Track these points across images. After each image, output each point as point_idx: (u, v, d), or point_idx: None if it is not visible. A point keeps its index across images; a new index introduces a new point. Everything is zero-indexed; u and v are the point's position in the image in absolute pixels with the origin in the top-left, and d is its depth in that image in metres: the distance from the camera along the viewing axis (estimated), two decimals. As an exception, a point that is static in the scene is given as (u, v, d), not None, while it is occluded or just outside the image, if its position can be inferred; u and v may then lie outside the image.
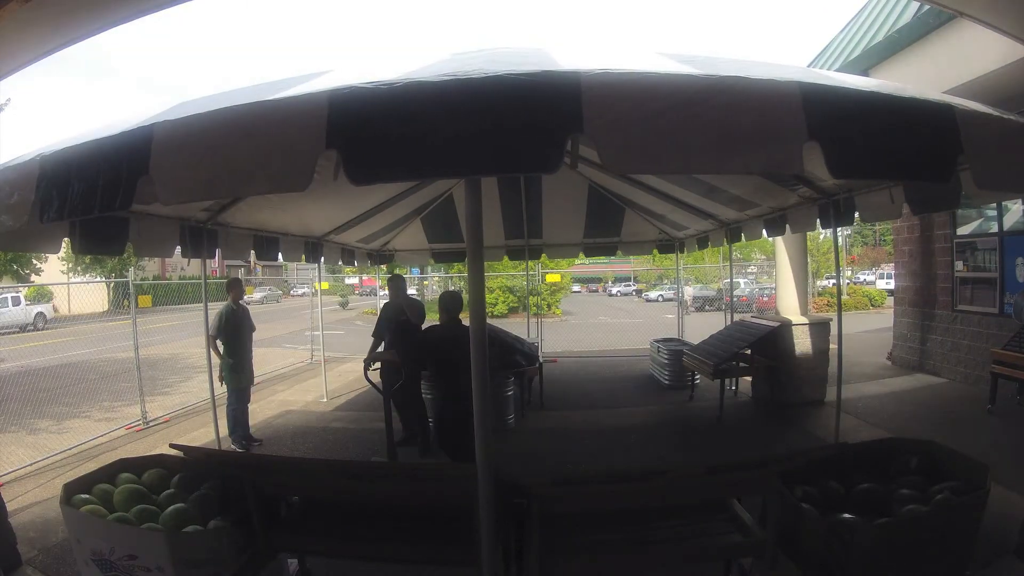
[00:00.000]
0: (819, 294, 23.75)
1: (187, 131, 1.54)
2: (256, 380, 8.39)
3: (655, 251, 9.86)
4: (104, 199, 1.56)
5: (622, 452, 5.25)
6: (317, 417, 6.92)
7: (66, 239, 3.17)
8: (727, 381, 6.88)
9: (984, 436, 5.04)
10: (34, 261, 20.09)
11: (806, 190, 4.61)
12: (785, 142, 1.44)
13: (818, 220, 4.78)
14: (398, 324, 5.35)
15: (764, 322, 7.12)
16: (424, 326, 4.62)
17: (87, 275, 27.09)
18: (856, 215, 4.38)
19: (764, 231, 5.98)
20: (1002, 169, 1.65)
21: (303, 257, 6.76)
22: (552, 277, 18.15)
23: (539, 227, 8.68)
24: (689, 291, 24.19)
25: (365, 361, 5.54)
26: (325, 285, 21.39)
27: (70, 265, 25.54)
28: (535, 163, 1.43)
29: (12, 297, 17.88)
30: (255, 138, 1.48)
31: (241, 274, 19.17)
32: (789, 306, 7.58)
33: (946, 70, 5.58)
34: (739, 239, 6.78)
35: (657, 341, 8.67)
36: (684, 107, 1.43)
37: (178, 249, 4.51)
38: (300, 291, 38.19)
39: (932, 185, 3.37)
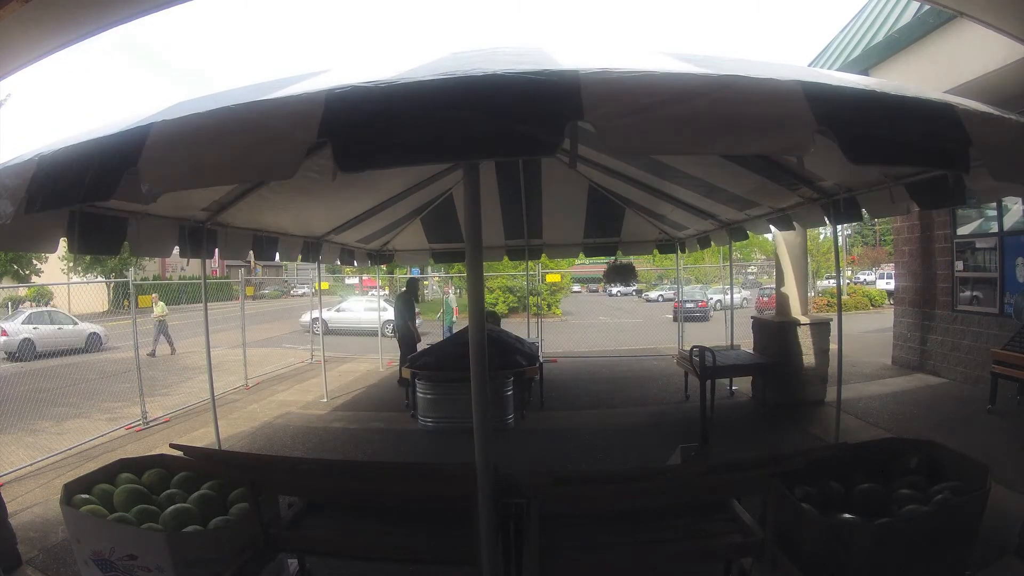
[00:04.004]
0: (819, 294, 23.74)
1: (181, 128, 1.54)
2: (256, 380, 8.75)
3: (655, 251, 9.85)
4: (88, 189, 1.56)
5: (622, 452, 5.25)
6: (317, 417, 6.92)
7: (63, 239, 3.17)
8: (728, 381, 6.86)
9: (984, 436, 5.04)
10: (34, 261, 20.06)
11: (806, 190, 4.59)
12: (794, 127, 1.44)
13: (824, 216, 4.74)
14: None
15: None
16: None
17: (87, 275, 27.07)
18: (864, 211, 4.33)
19: (770, 227, 5.93)
20: (1014, 163, 1.67)
21: (299, 257, 6.73)
22: (552, 277, 18.12)
23: (539, 227, 8.67)
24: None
25: None
26: (325, 285, 21.37)
27: (70, 265, 25.53)
28: (532, 145, 1.41)
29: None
30: (248, 133, 1.48)
31: (241, 274, 19.20)
32: (790, 306, 7.56)
33: (946, 70, 5.58)
34: (744, 237, 6.74)
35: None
36: (688, 100, 1.43)
37: (176, 249, 4.51)
38: (300, 291, 38.16)
39: (936, 183, 3.37)
